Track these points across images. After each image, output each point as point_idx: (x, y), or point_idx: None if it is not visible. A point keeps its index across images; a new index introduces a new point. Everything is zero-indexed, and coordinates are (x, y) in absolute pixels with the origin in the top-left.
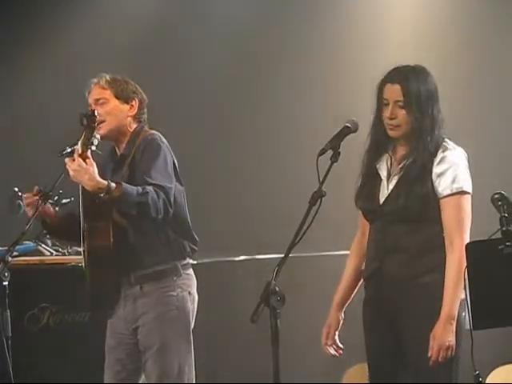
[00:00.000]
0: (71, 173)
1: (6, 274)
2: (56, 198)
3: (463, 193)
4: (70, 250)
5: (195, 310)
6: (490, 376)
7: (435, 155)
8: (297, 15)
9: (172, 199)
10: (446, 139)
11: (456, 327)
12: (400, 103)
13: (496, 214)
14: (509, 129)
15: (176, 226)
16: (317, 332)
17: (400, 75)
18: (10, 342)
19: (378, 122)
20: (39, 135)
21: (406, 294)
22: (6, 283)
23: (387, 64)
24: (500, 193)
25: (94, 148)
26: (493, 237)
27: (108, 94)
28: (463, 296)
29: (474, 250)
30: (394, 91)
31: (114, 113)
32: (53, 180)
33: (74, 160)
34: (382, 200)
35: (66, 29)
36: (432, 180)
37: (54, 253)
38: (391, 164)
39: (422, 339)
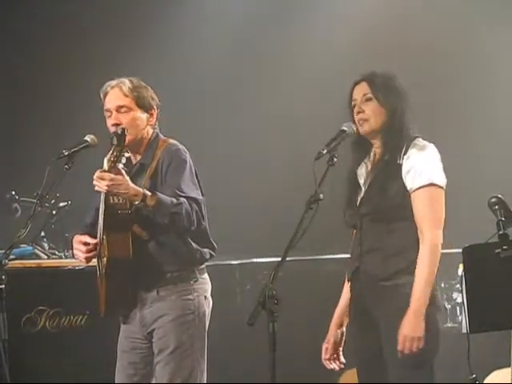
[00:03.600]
0: (105, 187)
1: (3, 277)
2: (53, 201)
3: (432, 185)
4: (66, 254)
5: (209, 314)
6: (486, 379)
7: (405, 153)
8: (296, 15)
9: (204, 211)
10: (419, 138)
11: (431, 330)
12: (367, 95)
13: (493, 217)
14: (505, 132)
15: (198, 236)
16: (313, 335)
17: (366, 74)
18: (6, 344)
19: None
20: (37, 138)
21: (382, 294)
22: (2, 286)
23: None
24: (497, 196)
25: (121, 166)
26: (490, 240)
27: (129, 101)
28: (460, 300)
29: (471, 253)
30: (360, 88)
31: (136, 123)
32: (50, 183)
33: (98, 177)
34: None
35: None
36: (402, 178)
37: (51, 256)
38: (370, 167)
39: (395, 340)
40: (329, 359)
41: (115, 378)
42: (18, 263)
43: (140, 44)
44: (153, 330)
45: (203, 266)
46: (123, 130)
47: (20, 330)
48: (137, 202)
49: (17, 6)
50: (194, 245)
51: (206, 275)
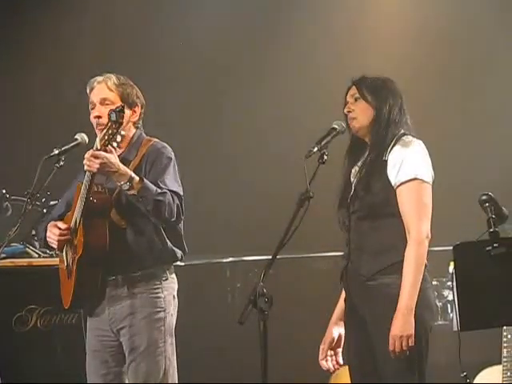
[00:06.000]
0: (96, 166)
1: None
2: (44, 200)
3: (417, 180)
4: (57, 252)
5: (176, 314)
6: (477, 377)
7: (391, 149)
8: (294, 13)
9: (183, 207)
10: (408, 135)
11: (420, 329)
12: (355, 95)
13: (484, 215)
14: (498, 131)
15: (173, 235)
16: (304, 333)
17: (356, 78)
18: None
19: (348, 129)
20: (27, 136)
21: (368, 294)
22: None
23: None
24: (487, 194)
25: (115, 145)
26: (480, 238)
27: (114, 96)
28: (451, 297)
29: (461, 251)
30: (351, 91)
31: None
32: (40, 182)
33: (93, 156)
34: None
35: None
36: (387, 174)
37: (42, 255)
38: (360, 166)
39: (381, 339)
40: (324, 359)
41: (87, 379)
42: (8, 262)
43: (137, 44)
44: (122, 327)
45: (172, 265)
46: (122, 107)
47: (11, 328)
48: (123, 182)
49: (13, 5)
50: (169, 243)
51: (174, 275)
